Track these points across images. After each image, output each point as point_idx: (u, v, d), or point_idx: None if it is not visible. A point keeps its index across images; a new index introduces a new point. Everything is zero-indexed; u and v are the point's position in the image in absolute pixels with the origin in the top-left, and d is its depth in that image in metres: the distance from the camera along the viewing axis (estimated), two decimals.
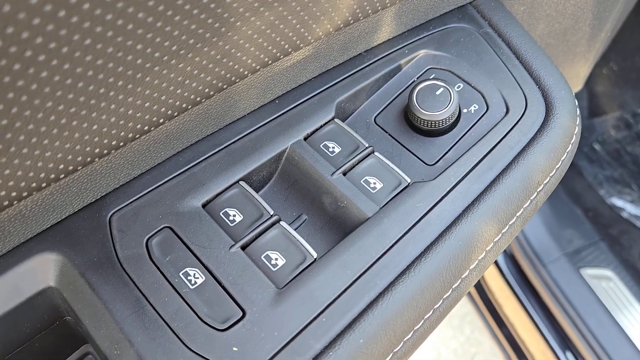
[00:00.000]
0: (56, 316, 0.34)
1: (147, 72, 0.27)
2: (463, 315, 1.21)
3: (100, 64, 0.25)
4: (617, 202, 1.00)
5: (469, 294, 1.06)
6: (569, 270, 0.84)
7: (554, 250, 0.85)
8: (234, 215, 0.31)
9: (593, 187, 1.01)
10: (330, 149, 0.30)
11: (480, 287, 0.98)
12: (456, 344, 1.19)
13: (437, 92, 0.26)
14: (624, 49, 1.16)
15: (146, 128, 0.31)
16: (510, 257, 0.88)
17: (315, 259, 0.28)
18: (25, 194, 0.29)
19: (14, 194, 0.28)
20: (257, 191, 0.32)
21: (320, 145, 0.30)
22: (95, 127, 0.28)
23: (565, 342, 0.84)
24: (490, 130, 0.27)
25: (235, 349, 0.25)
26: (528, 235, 0.85)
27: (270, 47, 0.29)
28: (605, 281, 0.83)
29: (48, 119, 0.26)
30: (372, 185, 0.27)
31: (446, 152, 0.28)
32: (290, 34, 0.29)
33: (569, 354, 0.83)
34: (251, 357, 0.26)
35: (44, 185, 0.29)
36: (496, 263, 0.91)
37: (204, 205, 0.31)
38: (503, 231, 0.30)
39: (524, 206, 0.30)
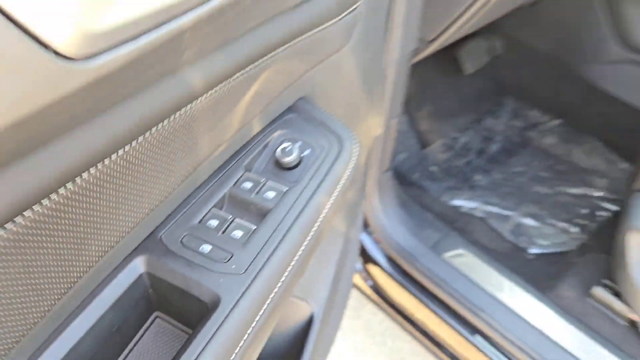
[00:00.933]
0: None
1: None
2: (383, 331, 1.45)
3: None
4: (456, 202, 1.35)
5: (382, 309, 1.30)
6: (435, 258, 1.14)
7: (420, 247, 1.16)
8: None
9: (437, 197, 1.36)
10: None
11: (386, 299, 1.25)
12: (383, 357, 1.41)
13: (288, 149, 0.53)
14: (432, 95, 1.58)
15: None
16: (393, 263, 1.17)
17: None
18: None
19: None
20: None
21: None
22: None
23: (459, 317, 1.12)
24: (317, 161, 0.55)
25: None
26: (400, 242, 1.15)
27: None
28: (460, 257, 1.15)
29: None
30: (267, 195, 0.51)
31: (299, 177, 0.54)
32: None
33: (468, 329, 1.11)
34: None
35: None
36: (387, 272, 1.19)
37: None
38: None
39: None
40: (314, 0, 0.50)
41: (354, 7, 0.57)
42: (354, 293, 1.28)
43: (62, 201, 0.33)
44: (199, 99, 0.41)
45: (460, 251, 1.16)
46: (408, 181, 1.39)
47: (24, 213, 0.31)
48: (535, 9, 1.49)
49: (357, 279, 1.22)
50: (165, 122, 0.39)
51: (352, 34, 0.59)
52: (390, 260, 1.16)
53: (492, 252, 1.20)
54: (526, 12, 1.49)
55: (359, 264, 1.19)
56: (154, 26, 0.32)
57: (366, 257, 1.18)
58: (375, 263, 1.17)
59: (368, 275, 1.20)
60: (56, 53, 0.27)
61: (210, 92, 0.42)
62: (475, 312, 1.07)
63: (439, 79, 1.56)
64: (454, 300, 1.10)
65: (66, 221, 0.35)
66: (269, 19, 0.44)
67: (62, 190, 0.33)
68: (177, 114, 0.40)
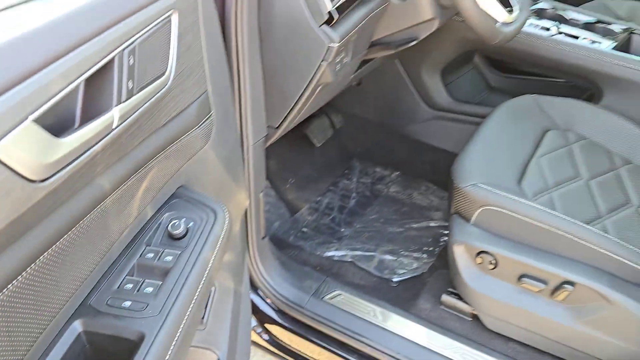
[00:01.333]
0: None
1: None
2: None
3: None
4: (328, 254, 1.58)
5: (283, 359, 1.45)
6: (318, 302, 1.34)
7: (304, 296, 1.35)
8: None
9: (312, 252, 1.58)
10: None
11: (283, 349, 1.41)
12: None
13: (177, 224, 0.71)
14: (293, 168, 1.84)
15: None
16: (283, 314, 1.35)
17: None
18: None
19: None
20: None
21: None
22: None
23: (346, 346, 1.32)
24: (199, 230, 0.74)
25: None
26: (286, 295, 1.34)
27: None
28: (338, 297, 1.36)
29: None
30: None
31: (187, 243, 0.73)
32: None
33: (355, 355, 1.31)
34: None
35: None
36: (279, 324, 1.36)
37: None
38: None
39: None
40: (179, 117, 0.71)
41: (208, 115, 0.80)
42: (255, 350, 1.42)
43: (12, 292, 0.48)
44: (108, 198, 0.59)
45: (337, 292, 1.38)
46: (285, 243, 1.60)
47: None
48: (360, 88, 1.85)
49: (255, 336, 1.37)
50: (87, 217, 0.56)
51: (212, 134, 0.81)
52: (281, 312, 1.34)
53: (363, 288, 1.44)
54: (354, 91, 1.85)
55: (254, 322, 1.35)
56: (80, 154, 0.50)
57: (259, 315, 1.35)
58: (268, 318, 1.34)
59: (264, 331, 1.36)
60: (26, 179, 0.44)
61: (114, 192, 0.60)
62: (358, 338, 1.28)
63: (295, 153, 1.83)
64: (340, 334, 1.30)
65: (16, 305, 0.50)
66: (150, 135, 0.64)
67: (10, 286, 0.48)
68: (94, 210, 0.57)
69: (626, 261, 1.07)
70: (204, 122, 0.78)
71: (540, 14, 1.71)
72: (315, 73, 1.08)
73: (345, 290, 1.39)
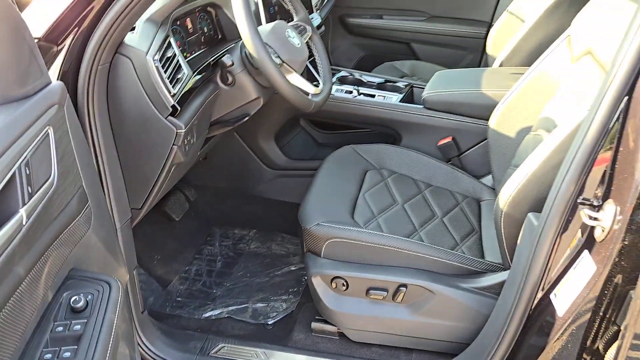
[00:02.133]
0: None
1: None
2: None
3: None
4: (206, 315, 1.71)
5: None
6: (207, 359, 1.47)
7: (191, 356, 1.47)
8: None
9: (191, 317, 1.70)
10: None
11: None
12: None
13: (77, 299, 0.84)
14: (158, 244, 1.95)
15: None
16: None
17: None
18: None
19: None
20: None
21: None
22: None
23: None
24: (99, 300, 0.87)
25: None
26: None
27: None
28: (223, 349, 1.51)
29: None
30: None
31: (91, 312, 0.85)
32: None
33: None
34: None
35: None
36: None
37: None
38: None
39: None
40: (65, 209, 0.85)
41: (87, 205, 0.94)
42: None
43: None
44: (22, 284, 0.71)
45: (221, 345, 1.52)
46: (163, 315, 1.70)
47: None
48: (207, 162, 2.06)
49: None
50: (9, 302, 0.68)
51: (92, 220, 0.95)
52: None
53: (243, 336, 1.60)
54: (202, 165, 2.04)
55: None
56: (4, 249, 0.64)
57: None
58: None
59: None
60: None
61: (27, 277, 0.72)
62: None
63: (157, 231, 1.95)
64: None
65: None
66: (47, 227, 0.77)
67: None
68: (14, 295, 0.69)
69: (438, 259, 1.39)
70: (84, 211, 0.92)
71: (343, 80, 2.10)
72: (168, 155, 1.27)
73: (227, 342, 1.53)
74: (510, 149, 1.62)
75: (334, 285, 1.44)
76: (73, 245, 0.89)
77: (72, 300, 0.83)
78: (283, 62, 1.42)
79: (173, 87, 1.24)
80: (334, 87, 2.02)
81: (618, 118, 0.94)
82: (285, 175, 2.07)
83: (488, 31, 2.67)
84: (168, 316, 1.70)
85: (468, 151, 1.85)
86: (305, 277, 1.85)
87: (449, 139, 1.84)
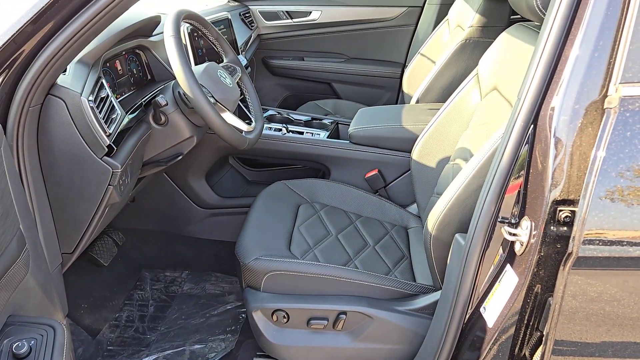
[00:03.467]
0: None
1: None
2: None
3: None
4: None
5: None
6: None
7: None
8: None
9: None
10: None
11: None
12: None
13: (20, 345, 0.80)
14: (84, 291, 1.86)
15: None
16: None
17: None
18: None
19: None
20: None
21: None
22: None
23: None
24: (43, 345, 0.84)
25: None
26: None
27: None
28: None
29: None
30: None
31: (37, 357, 0.82)
32: None
33: None
34: None
35: None
36: None
37: None
38: None
39: None
40: (5, 252, 0.82)
41: (25, 248, 0.91)
42: None
43: None
44: None
45: None
46: None
47: None
48: (136, 204, 2.02)
49: None
50: None
51: (30, 263, 0.92)
52: None
53: None
54: (130, 207, 2.00)
55: None
56: None
57: None
58: None
59: None
60: None
61: None
62: None
63: (84, 277, 1.87)
64: None
65: None
66: None
67: None
68: None
69: (374, 284, 1.46)
70: (22, 254, 0.89)
71: (271, 119, 2.17)
72: (104, 196, 1.25)
73: None
74: (432, 178, 1.74)
75: (274, 318, 1.45)
76: (12, 289, 0.85)
77: (14, 346, 0.79)
78: (217, 101, 1.46)
79: (108, 127, 1.23)
80: (265, 126, 2.08)
81: (526, 143, 1.07)
82: (216, 214, 2.07)
83: (403, 71, 2.86)
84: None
85: (393, 182, 1.96)
86: (243, 315, 1.84)
87: (375, 172, 1.94)
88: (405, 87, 2.61)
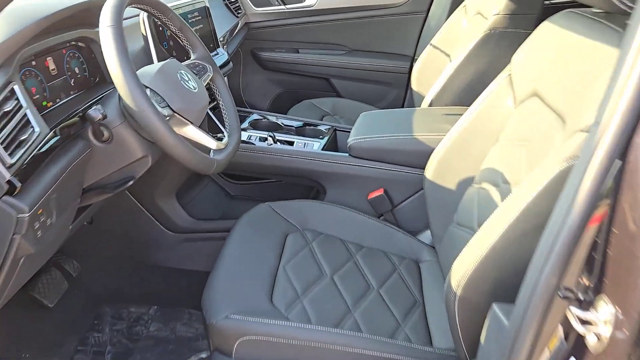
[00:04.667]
0: None
1: None
2: None
3: None
4: None
5: None
6: None
7: None
8: None
9: None
10: None
11: None
12: None
13: None
14: (23, 341, 1.53)
15: None
16: None
17: None
18: None
19: None
20: None
21: None
22: None
23: None
24: None
25: None
26: None
27: None
28: None
29: None
30: None
31: None
32: None
33: None
34: None
35: None
36: None
37: None
38: None
39: None
40: None
41: None
42: None
43: None
44: None
45: None
46: None
47: None
48: (94, 226, 1.68)
49: None
50: None
51: None
52: None
53: None
54: (87, 230, 1.66)
55: None
56: None
57: None
58: None
59: None
60: None
61: None
62: None
63: (25, 321, 1.54)
64: None
65: None
66: None
67: None
68: None
69: (378, 354, 1.12)
70: None
71: (255, 125, 1.82)
72: (9, 249, 0.91)
73: None
74: (451, 203, 1.40)
75: None
76: None
77: None
78: (174, 112, 1.12)
79: (12, 154, 0.89)
80: (246, 134, 1.73)
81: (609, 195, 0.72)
82: (190, 239, 1.73)
83: (411, 65, 2.51)
84: None
85: (402, 204, 1.62)
86: None
87: (380, 192, 1.60)
88: (414, 84, 2.26)
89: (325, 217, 1.53)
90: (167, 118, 1.08)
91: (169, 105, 1.11)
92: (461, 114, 1.52)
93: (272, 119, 1.85)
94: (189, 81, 1.19)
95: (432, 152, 1.46)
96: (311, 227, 1.51)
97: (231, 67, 1.86)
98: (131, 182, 1.22)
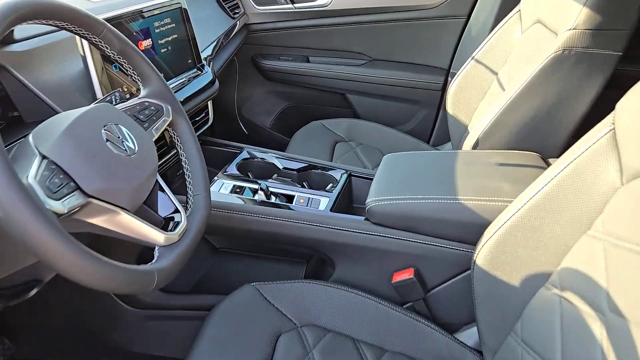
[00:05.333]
0: None
1: None
2: None
3: None
4: None
5: None
6: None
7: None
8: None
9: None
10: None
11: None
12: None
13: None
14: None
15: None
16: None
17: None
18: None
19: None
20: None
21: None
22: None
23: None
24: None
25: None
26: None
27: None
28: None
29: None
30: None
31: None
32: None
33: None
34: None
35: None
36: None
37: None
38: None
39: None
40: None
41: None
42: None
43: None
44: None
45: None
46: None
47: None
48: (39, 297, 1.29)
49: None
50: None
51: None
52: None
53: None
54: (30, 302, 1.27)
55: None
56: None
57: None
58: None
59: None
60: None
61: None
62: None
63: None
64: None
65: None
66: None
67: None
68: None
69: None
70: None
71: (243, 168, 1.40)
72: None
73: None
74: (512, 305, 0.98)
75: None
76: None
77: None
78: (90, 197, 0.70)
79: None
80: (228, 185, 1.31)
81: None
82: (157, 316, 1.33)
83: (446, 80, 2.06)
84: None
85: (437, 289, 1.19)
86: None
87: (408, 272, 1.17)
88: (449, 105, 1.81)
89: (332, 306, 1.12)
90: (71, 211, 0.67)
91: (79, 188, 0.69)
92: (525, 165, 1.08)
93: (265, 157, 1.43)
94: (124, 140, 0.77)
95: (484, 224, 1.03)
96: (313, 322, 1.10)
97: (217, 89, 1.43)
98: (34, 291, 0.82)
